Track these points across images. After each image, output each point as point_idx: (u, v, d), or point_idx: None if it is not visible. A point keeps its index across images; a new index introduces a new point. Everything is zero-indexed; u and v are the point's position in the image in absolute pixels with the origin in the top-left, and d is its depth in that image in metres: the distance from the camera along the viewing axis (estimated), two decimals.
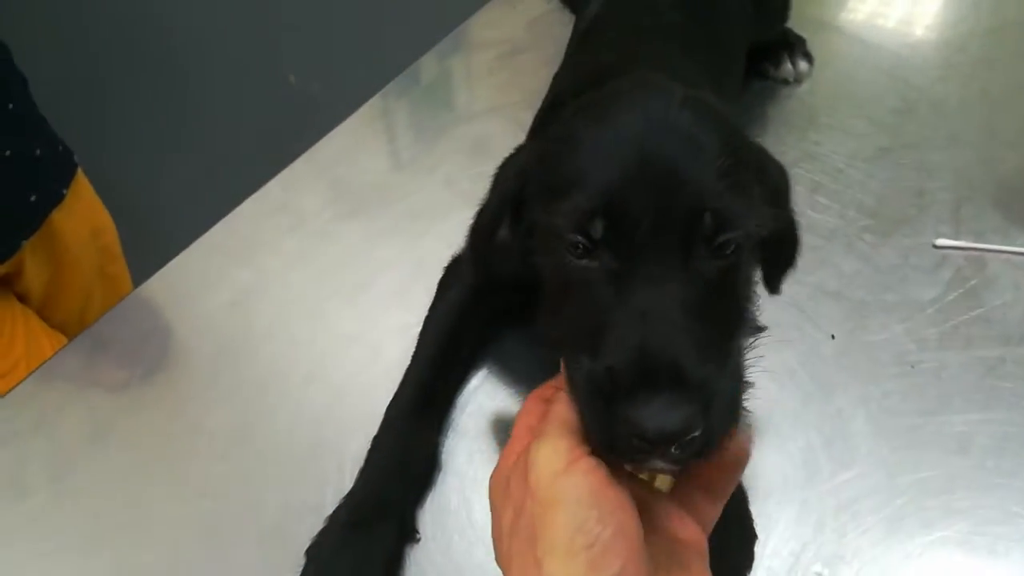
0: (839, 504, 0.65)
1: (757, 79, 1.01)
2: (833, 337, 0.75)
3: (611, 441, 0.44)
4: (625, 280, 0.46)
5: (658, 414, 0.42)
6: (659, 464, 0.44)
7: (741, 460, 0.49)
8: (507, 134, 0.98)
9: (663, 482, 0.52)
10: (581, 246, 0.48)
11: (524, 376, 0.74)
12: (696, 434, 0.42)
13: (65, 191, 1.05)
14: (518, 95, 1.03)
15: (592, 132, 0.50)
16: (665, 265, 0.46)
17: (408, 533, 0.64)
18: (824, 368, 0.73)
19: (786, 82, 1.01)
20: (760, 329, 0.51)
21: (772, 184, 0.55)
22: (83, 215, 1.10)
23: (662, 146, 0.47)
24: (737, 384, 0.46)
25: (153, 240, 1.07)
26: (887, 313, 0.77)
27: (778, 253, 0.59)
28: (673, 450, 0.42)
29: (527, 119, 0.98)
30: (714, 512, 0.49)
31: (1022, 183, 0.88)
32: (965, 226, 0.84)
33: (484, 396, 0.73)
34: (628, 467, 0.47)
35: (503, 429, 0.71)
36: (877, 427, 0.69)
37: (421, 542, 0.64)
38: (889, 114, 0.97)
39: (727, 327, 0.48)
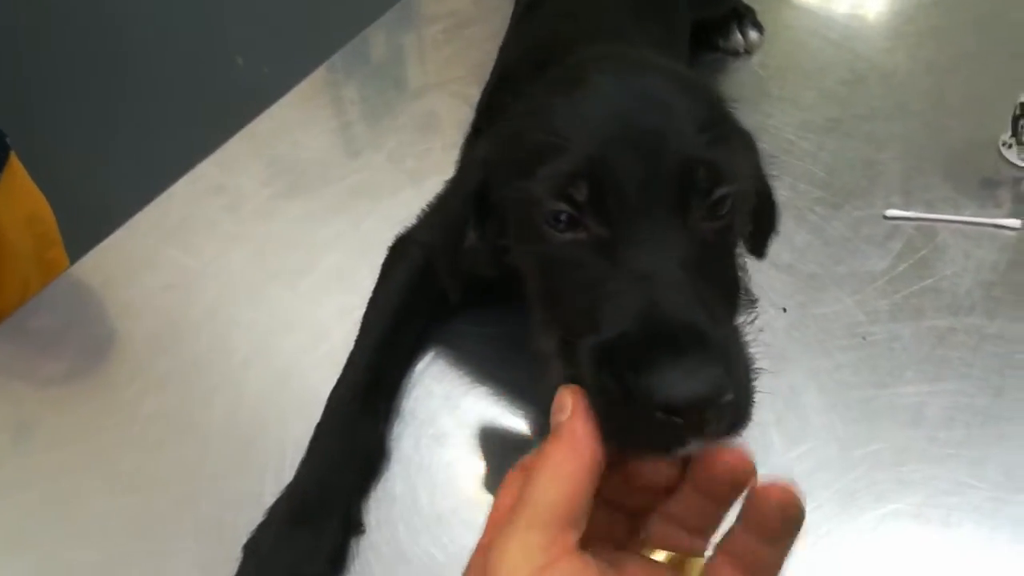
0: (791, 479, 0.64)
1: (707, 51, 1.00)
2: (784, 310, 0.74)
3: (633, 427, 0.37)
4: (618, 247, 0.42)
5: (687, 379, 0.36)
6: (694, 446, 0.37)
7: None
8: (453, 109, 0.96)
9: (695, 568, 0.40)
10: (564, 217, 0.44)
11: (472, 357, 0.72)
12: (729, 398, 0.36)
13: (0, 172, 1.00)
14: (464, 69, 1.01)
15: (565, 98, 0.47)
16: (661, 225, 0.42)
17: (353, 525, 0.62)
18: (775, 342, 0.72)
19: (736, 53, 1.00)
20: (753, 301, 0.48)
21: (750, 149, 0.53)
22: (18, 200, 1.05)
23: (643, 105, 0.45)
24: (747, 350, 0.42)
25: (88, 222, 1.03)
26: (838, 285, 0.76)
27: (760, 217, 0.56)
28: (706, 422, 0.36)
29: (474, 94, 0.96)
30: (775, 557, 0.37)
31: (970, 153, 0.88)
32: (915, 196, 0.83)
33: (431, 379, 0.71)
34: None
35: (450, 413, 0.69)
36: (829, 400, 0.68)
37: (366, 531, 0.62)
38: (839, 85, 0.96)
39: (728, 293, 0.45)
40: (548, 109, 0.47)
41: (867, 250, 0.79)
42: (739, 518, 0.36)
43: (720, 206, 0.44)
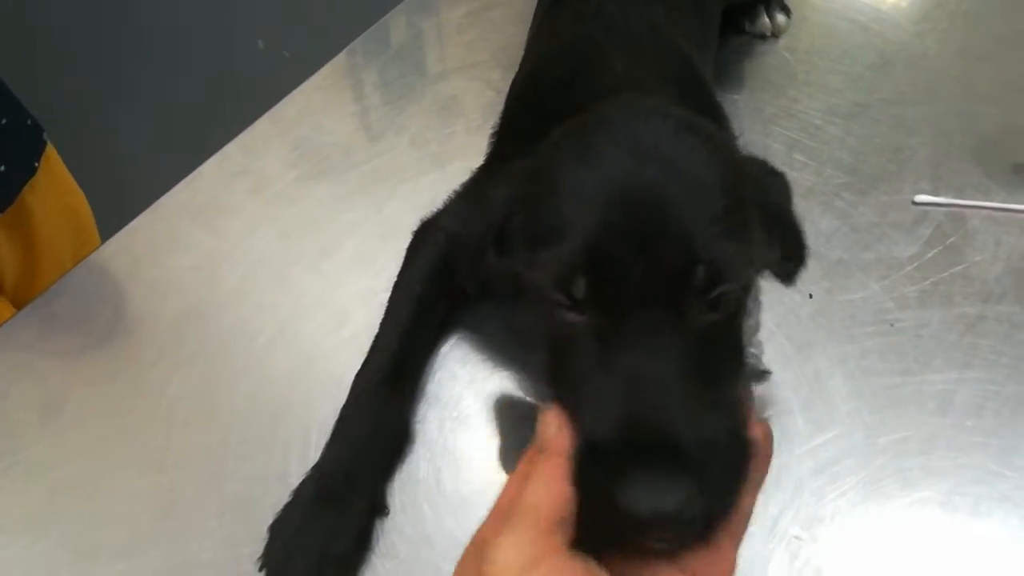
0: (817, 466, 0.63)
1: (734, 34, 0.99)
2: (811, 296, 0.73)
3: (602, 526, 0.40)
4: (612, 338, 0.43)
5: (650, 494, 0.38)
6: (655, 546, 0.40)
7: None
8: (476, 93, 0.95)
9: None
10: (564, 302, 0.45)
11: (495, 341, 0.72)
12: (692, 516, 0.38)
13: (37, 163, 1.00)
14: (487, 54, 1.00)
15: (574, 174, 0.46)
16: (654, 323, 0.42)
17: (378, 507, 0.62)
18: (801, 328, 0.71)
19: (763, 37, 0.98)
20: (764, 373, 0.48)
21: (773, 202, 0.52)
22: (55, 194, 1.05)
23: (650, 189, 0.44)
24: (739, 445, 0.42)
25: (111, 205, 1.03)
26: (865, 271, 0.75)
27: (787, 259, 0.55)
28: (670, 532, 0.39)
29: (497, 78, 0.96)
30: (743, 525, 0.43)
31: (1001, 138, 0.86)
32: (944, 182, 0.82)
33: (455, 362, 0.71)
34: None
35: (474, 396, 0.69)
36: (855, 387, 0.68)
37: (390, 513, 0.62)
38: (867, 69, 0.95)
39: (725, 380, 0.44)
40: (556, 183, 0.47)
41: (895, 236, 0.78)
42: None
43: (719, 303, 0.44)
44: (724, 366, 0.44)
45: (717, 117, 0.73)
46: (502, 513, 0.41)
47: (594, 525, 0.40)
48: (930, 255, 0.76)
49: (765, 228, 0.50)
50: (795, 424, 0.65)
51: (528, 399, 0.68)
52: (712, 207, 0.44)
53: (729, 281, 0.43)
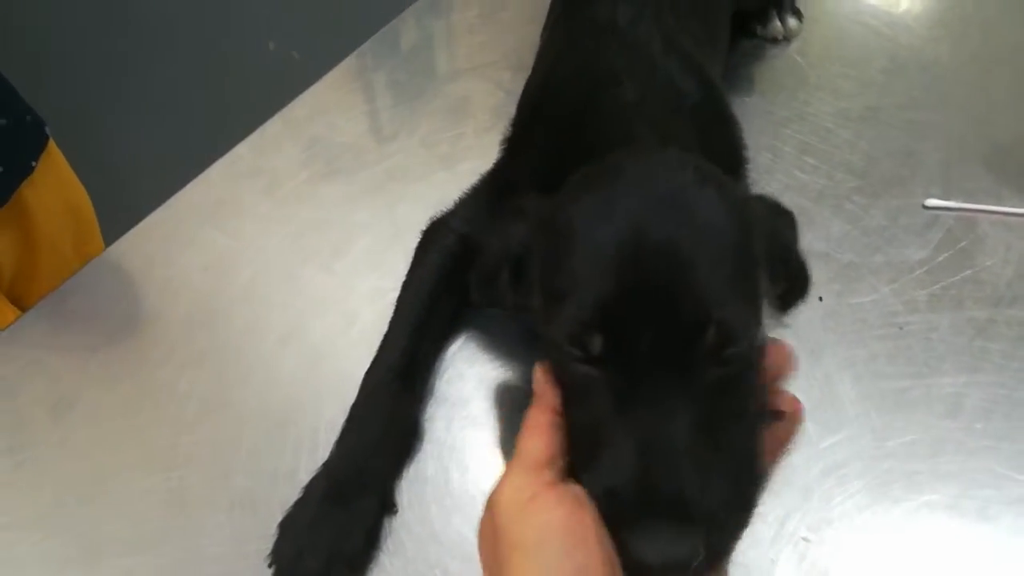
0: (825, 469, 0.63)
1: (745, 38, 0.99)
2: (820, 299, 0.73)
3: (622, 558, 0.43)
4: (626, 393, 0.45)
5: (662, 547, 0.41)
6: None
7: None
8: (487, 95, 0.95)
9: None
10: (581, 356, 0.46)
11: (503, 340, 0.72)
12: (700, 565, 0.41)
13: (35, 163, 1.01)
14: (498, 55, 1.00)
15: (589, 229, 0.47)
16: (666, 381, 0.44)
17: (387, 506, 0.62)
18: (811, 331, 0.71)
19: (774, 40, 0.98)
20: (778, 415, 0.49)
21: (781, 244, 0.54)
22: (56, 190, 1.06)
23: (664, 247, 0.45)
24: (749, 492, 0.45)
25: (123, 203, 1.03)
26: (875, 275, 0.75)
27: (791, 291, 0.57)
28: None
29: (507, 79, 0.96)
30: None
31: (1013, 144, 0.86)
32: (955, 187, 0.82)
33: (463, 362, 0.71)
34: None
35: (482, 395, 0.69)
36: (864, 390, 0.68)
37: (398, 511, 0.62)
38: (879, 73, 0.95)
39: (736, 429, 0.45)
40: (572, 237, 0.48)
41: (905, 240, 0.78)
42: None
43: (730, 361, 0.45)
44: (735, 415, 0.45)
45: (731, 143, 0.73)
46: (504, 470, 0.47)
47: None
48: (940, 259, 0.76)
49: (772, 270, 0.51)
50: (804, 427, 0.65)
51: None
52: (724, 266, 0.45)
53: (739, 342, 0.44)
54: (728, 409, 0.45)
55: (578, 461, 0.46)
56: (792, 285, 0.57)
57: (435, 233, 0.74)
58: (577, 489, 0.44)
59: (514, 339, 0.72)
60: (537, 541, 0.41)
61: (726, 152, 0.72)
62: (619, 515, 0.43)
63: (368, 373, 0.67)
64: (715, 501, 0.42)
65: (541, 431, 0.47)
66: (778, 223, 0.55)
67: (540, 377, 0.50)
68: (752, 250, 0.48)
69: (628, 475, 0.43)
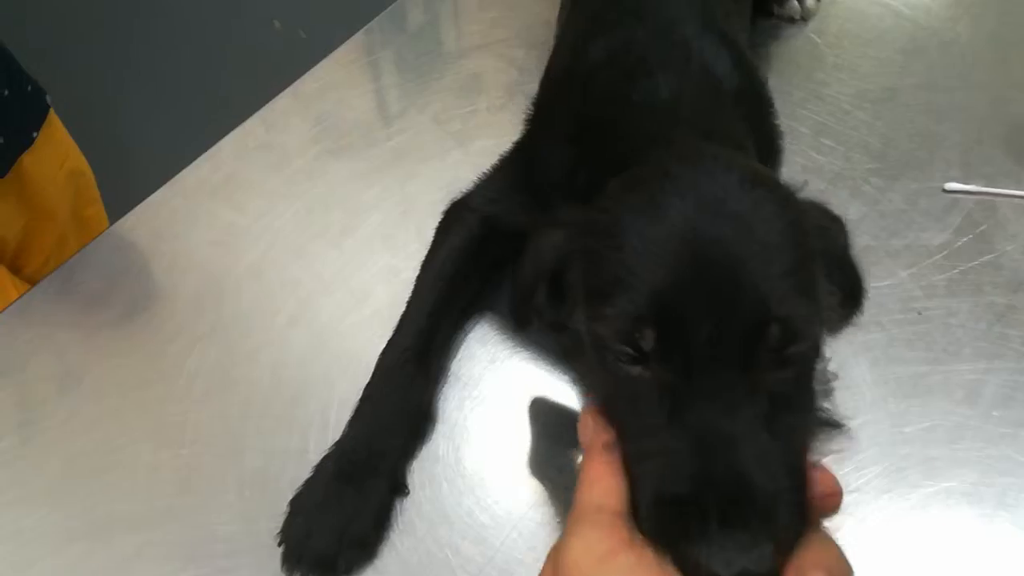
0: (842, 454, 0.63)
1: (762, 17, 0.97)
2: None
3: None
4: (681, 395, 0.41)
5: (736, 556, 0.37)
6: None
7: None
8: (499, 71, 0.94)
9: None
10: (630, 355, 0.43)
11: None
12: (774, 570, 0.38)
13: (36, 134, 1.00)
14: (510, 31, 0.99)
15: (637, 227, 0.44)
16: (725, 380, 0.41)
17: (398, 488, 0.62)
18: (827, 315, 0.70)
19: (792, 20, 0.96)
20: (838, 425, 0.47)
21: (836, 247, 0.51)
22: (56, 158, 1.05)
23: (719, 242, 0.42)
24: (805, 502, 0.41)
25: (131, 179, 1.03)
26: (893, 259, 0.74)
27: (847, 302, 0.54)
28: None
29: (520, 57, 0.95)
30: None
31: None
32: (975, 170, 0.81)
33: (475, 342, 0.71)
34: None
35: (494, 376, 0.68)
36: (882, 375, 0.67)
37: (410, 492, 0.62)
38: (897, 54, 0.93)
39: (796, 436, 0.43)
40: (619, 236, 0.45)
41: (924, 223, 0.77)
42: None
43: (790, 361, 0.42)
44: (794, 424, 0.43)
45: (771, 132, 0.71)
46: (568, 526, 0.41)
47: None
48: (960, 243, 0.75)
49: (827, 276, 0.48)
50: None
51: (547, 379, 0.68)
52: (782, 263, 0.42)
53: (803, 340, 0.42)
54: (788, 418, 0.42)
55: (629, 474, 0.43)
56: (848, 293, 0.54)
57: (456, 214, 0.73)
58: (661, 557, 0.39)
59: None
60: None
61: (766, 142, 0.70)
62: (679, 524, 0.39)
63: (383, 353, 0.66)
64: (784, 508, 0.39)
65: (604, 479, 0.42)
66: (831, 228, 0.52)
67: (587, 422, 0.45)
68: (809, 250, 0.45)
69: (689, 479, 0.40)
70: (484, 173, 0.74)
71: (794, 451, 0.42)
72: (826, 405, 0.46)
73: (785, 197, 0.47)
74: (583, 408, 0.46)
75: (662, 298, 0.42)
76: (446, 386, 0.67)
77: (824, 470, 0.42)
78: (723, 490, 0.39)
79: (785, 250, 0.43)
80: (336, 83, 0.93)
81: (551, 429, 0.66)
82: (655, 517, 0.40)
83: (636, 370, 0.43)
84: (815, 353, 0.45)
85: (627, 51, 0.67)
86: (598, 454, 0.43)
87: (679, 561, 0.38)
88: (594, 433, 0.44)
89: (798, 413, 0.43)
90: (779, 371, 0.42)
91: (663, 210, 0.44)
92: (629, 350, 0.43)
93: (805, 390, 0.45)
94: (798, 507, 0.40)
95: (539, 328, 0.59)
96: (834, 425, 0.46)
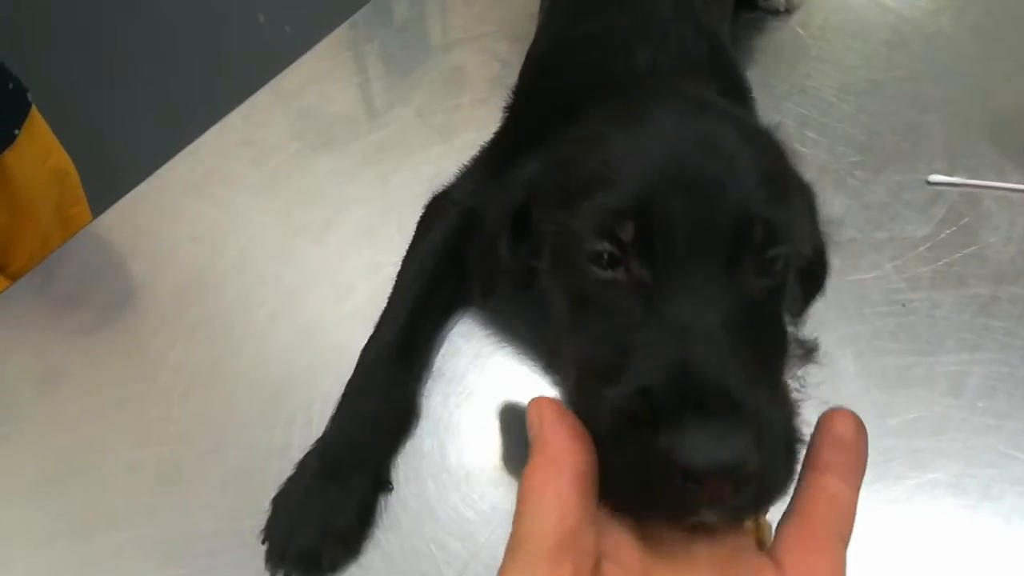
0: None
1: (746, 9, 0.97)
2: None
3: (646, 489, 0.35)
4: (658, 293, 0.39)
5: (711, 444, 0.33)
6: (705, 517, 0.34)
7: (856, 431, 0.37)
8: (483, 65, 0.94)
9: (764, 529, 0.38)
10: (606, 256, 0.41)
11: (499, 316, 0.71)
12: (754, 470, 0.34)
13: (17, 131, 0.99)
14: (494, 25, 0.98)
15: (621, 130, 0.44)
16: (707, 277, 0.39)
17: (382, 483, 0.61)
18: (812, 307, 0.70)
19: (776, 12, 0.96)
20: (812, 351, 0.45)
21: (807, 202, 0.51)
22: (39, 156, 1.04)
23: (703, 148, 0.42)
24: (791, 416, 0.39)
25: (110, 175, 1.02)
26: (878, 251, 0.74)
27: (809, 278, 0.54)
28: (726, 493, 0.34)
29: (504, 50, 0.94)
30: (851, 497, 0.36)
31: (1017, 118, 0.85)
32: (959, 162, 0.81)
33: (459, 338, 0.70)
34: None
35: (479, 372, 0.68)
36: (866, 367, 0.67)
37: (394, 488, 0.61)
38: (881, 46, 0.93)
39: (773, 354, 0.42)
40: (602, 139, 0.45)
41: (908, 216, 0.77)
42: (807, 465, 0.37)
43: (772, 265, 0.41)
44: (772, 340, 0.42)
45: (740, 83, 0.72)
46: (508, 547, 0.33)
47: (629, 497, 0.35)
48: (943, 235, 0.75)
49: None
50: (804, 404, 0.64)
51: (532, 374, 0.67)
52: (765, 172, 0.42)
53: (785, 242, 0.41)
54: (767, 329, 0.41)
55: (602, 380, 0.39)
56: (811, 275, 0.54)
57: (437, 207, 0.73)
58: None
59: (511, 316, 0.71)
60: None
61: (735, 90, 0.70)
62: (651, 419, 0.35)
63: (365, 349, 0.65)
64: (763, 402, 0.36)
65: (552, 502, 0.33)
66: (801, 183, 0.52)
67: (535, 417, 0.36)
68: (790, 173, 0.46)
69: (662, 369, 0.36)
70: (464, 165, 0.74)
71: (775, 364, 0.41)
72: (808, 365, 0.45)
73: (771, 137, 0.48)
74: (533, 399, 0.38)
75: (644, 192, 0.41)
76: (431, 382, 0.67)
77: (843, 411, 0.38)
78: (700, 382, 0.36)
79: (764, 161, 0.43)
80: (319, 77, 0.93)
81: None
82: (616, 412, 0.37)
83: (609, 273, 0.41)
84: (795, 261, 0.44)
85: (607, 34, 0.68)
86: (548, 460, 0.35)
87: (645, 464, 0.35)
88: (550, 428, 0.36)
89: (774, 333, 0.43)
90: (760, 278, 0.41)
91: (647, 118, 0.44)
92: (607, 244, 0.41)
93: (781, 312, 0.44)
94: (784, 424, 0.38)
95: (502, 293, 0.58)
96: (808, 348, 0.45)
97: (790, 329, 0.45)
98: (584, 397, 0.41)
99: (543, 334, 0.50)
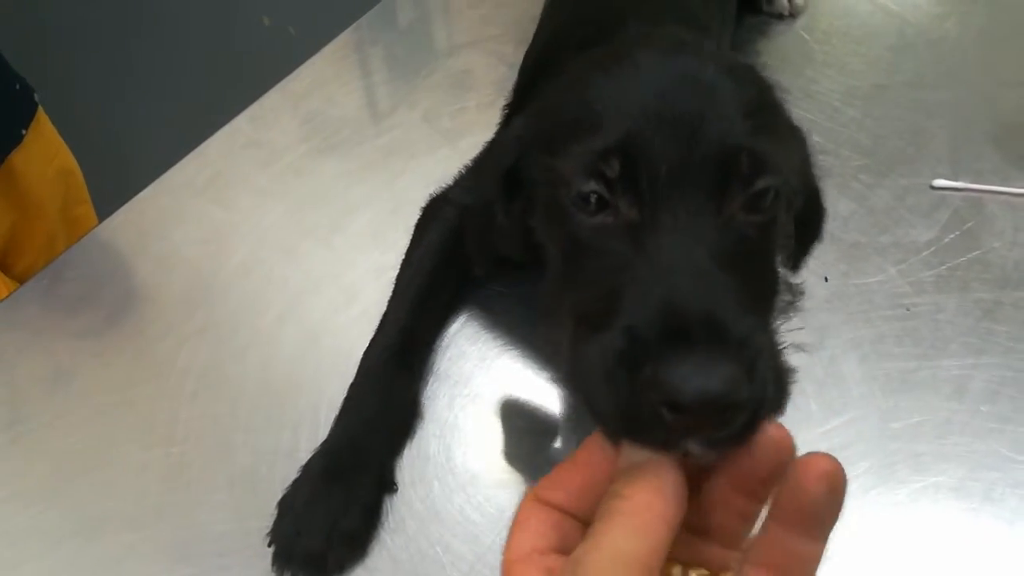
0: (830, 449, 0.61)
1: (750, 14, 0.97)
2: (826, 280, 0.72)
3: (634, 420, 0.34)
4: (646, 232, 0.39)
5: (696, 372, 0.32)
6: (694, 449, 0.33)
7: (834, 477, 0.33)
8: (488, 68, 0.94)
9: None
10: (593, 198, 0.41)
11: (505, 319, 0.71)
12: (741, 401, 0.33)
13: (24, 132, 1.00)
14: (500, 28, 0.99)
15: (604, 73, 0.44)
16: (694, 212, 0.39)
17: (386, 484, 0.62)
18: (817, 311, 0.70)
19: (780, 16, 0.97)
20: (798, 294, 0.45)
21: (800, 145, 0.51)
22: (45, 156, 1.05)
23: (686, 85, 0.42)
24: (779, 351, 0.38)
25: (118, 177, 1.02)
26: (882, 255, 0.74)
27: (804, 223, 0.54)
28: (714, 424, 0.33)
29: (509, 53, 0.95)
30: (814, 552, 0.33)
31: (1022, 123, 0.85)
32: (963, 167, 0.81)
33: (465, 340, 0.71)
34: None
35: (484, 374, 0.68)
36: (870, 371, 0.67)
37: (400, 489, 0.62)
38: (886, 51, 0.94)
39: (763, 291, 0.42)
40: (585, 84, 0.45)
41: (912, 220, 0.77)
42: (771, 516, 0.33)
43: (762, 199, 0.41)
44: (762, 278, 0.42)
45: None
46: (522, 556, 0.33)
47: (619, 430, 0.35)
48: (947, 240, 0.75)
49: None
50: (808, 407, 0.65)
51: (538, 378, 0.68)
52: (745, 104, 0.42)
53: (773, 173, 0.41)
54: (757, 266, 0.41)
55: (595, 327, 0.38)
56: (806, 219, 0.53)
57: (435, 207, 0.73)
58: None
59: (516, 318, 0.71)
60: None
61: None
62: (639, 353, 0.35)
63: (366, 352, 0.66)
64: (752, 331, 0.35)
65: (650, 529, 0.31)
66: (794, 126, 0.51)
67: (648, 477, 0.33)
68: (774, 102, 0.46)
69: (651, 307, 0.36)
70: (465, 165, 0.74)
71: (765, 302, 0.41)
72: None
73: (755, 73, 0.48)
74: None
75: (628, 130, 0.41)
76: (436, 384, 0.67)
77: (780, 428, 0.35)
78: (684, 314, 0.35)
79: (755, 99, 0.43)
80: (325, 80, 0.93)
81: (540, 426, 0.66)
82: (604, 358, 0.36)
83: (598, 218, 0.42)
84: (785, 195, 0.43)
85: (607, 14, 0.69)
86: (658, 487, 0.33)
87: (633, 392, 0.34)
88: (654, 489, 0.33)
89: (766, 271, 0.43)
90: (750, 213, 0.41)
91: (628, 59, 0.44)
92: (593, 184, 0.41)
93: (772, 250, 0.44)
94: (773, 365, 0.37)
95: (502, 265, 0.58)
96: (794, 292, 0.45)
97: (781, 270, 0.45)
98: (580, 347, 0.40)
99: (541, 295, 0.50)
